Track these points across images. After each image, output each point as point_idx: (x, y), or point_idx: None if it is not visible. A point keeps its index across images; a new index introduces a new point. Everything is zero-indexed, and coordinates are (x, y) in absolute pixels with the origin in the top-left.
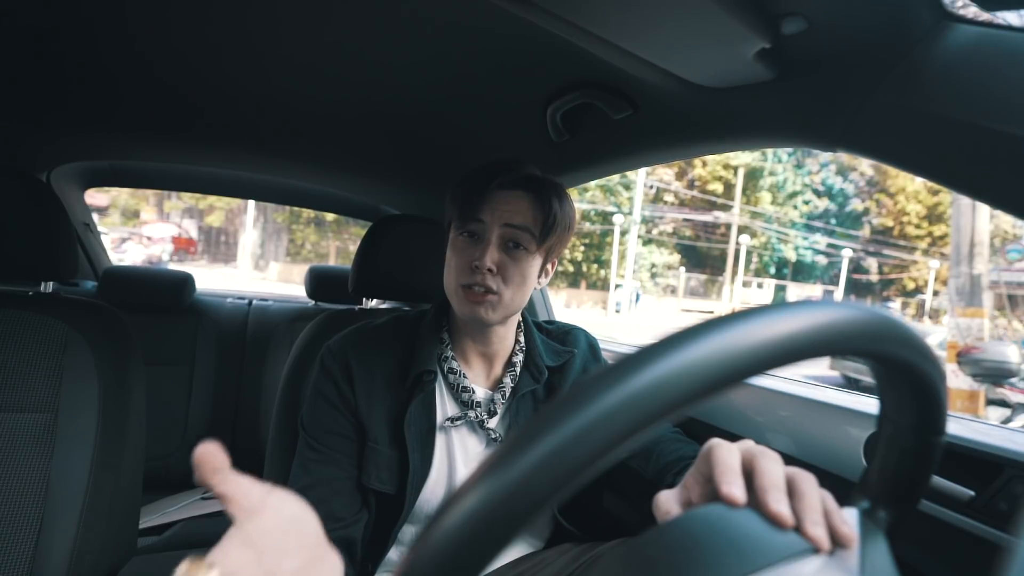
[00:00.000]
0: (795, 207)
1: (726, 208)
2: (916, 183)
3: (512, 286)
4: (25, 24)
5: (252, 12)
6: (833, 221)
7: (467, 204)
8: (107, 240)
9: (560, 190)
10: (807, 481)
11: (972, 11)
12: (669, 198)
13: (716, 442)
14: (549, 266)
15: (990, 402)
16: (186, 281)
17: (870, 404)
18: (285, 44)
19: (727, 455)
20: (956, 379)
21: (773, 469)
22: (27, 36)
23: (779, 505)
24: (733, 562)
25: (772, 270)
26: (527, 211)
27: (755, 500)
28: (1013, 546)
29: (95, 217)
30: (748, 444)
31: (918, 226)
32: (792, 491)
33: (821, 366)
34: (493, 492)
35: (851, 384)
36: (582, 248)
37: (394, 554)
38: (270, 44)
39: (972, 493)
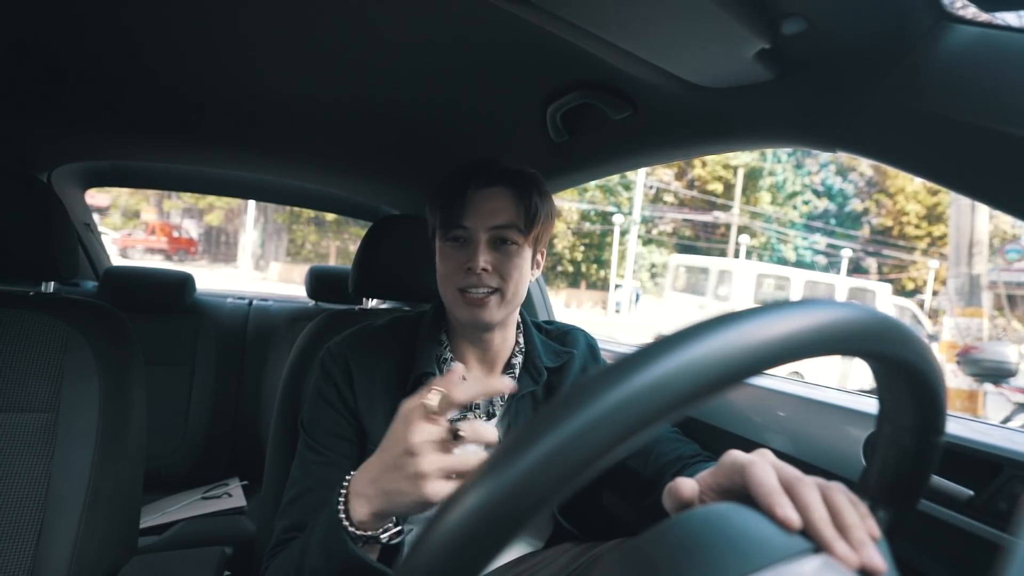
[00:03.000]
0: (795, 207)
1: (726, 208)
2: (916, 183)
3: (511, 280)
4: (26, 24)
5: (252, 13)
6: (833, 221)
7: (448, 212)
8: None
9: (537, 179)
10: (848, 509)
11: (971, 12)
12: (669, 198)
13: (747, 459)
14: (539, 256)
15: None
16: (186, 281)
17: (870, 404)
18: (285, 44)
19: (767, 476)
20: (955, 379)
21: (815, 499)
22: (28, 36)
23: (837, 543)
24: (733, 562)
25: None
26: (509, 207)
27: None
28: (1012, 545)
29: (95, 217)
30: (780, 463)
31: (917, 226)
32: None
33: None
34: (492, 493)
35: None
36: (582, 248)
37: None
38: (270, 44)
39: (971, 493)
